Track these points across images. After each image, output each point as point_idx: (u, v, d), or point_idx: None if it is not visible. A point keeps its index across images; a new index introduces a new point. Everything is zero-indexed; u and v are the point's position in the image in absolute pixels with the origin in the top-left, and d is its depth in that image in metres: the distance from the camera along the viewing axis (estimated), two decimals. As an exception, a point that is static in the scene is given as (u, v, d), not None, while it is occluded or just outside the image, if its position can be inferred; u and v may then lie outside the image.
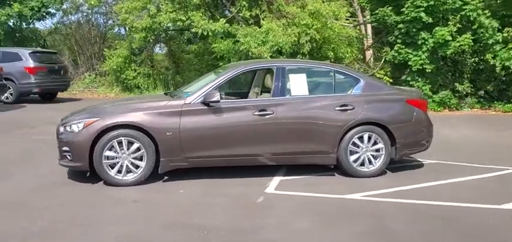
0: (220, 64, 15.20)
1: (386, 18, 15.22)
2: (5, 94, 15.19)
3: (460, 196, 5.64)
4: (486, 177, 6.64)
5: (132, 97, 6.68)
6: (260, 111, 6.22)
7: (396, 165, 7.06)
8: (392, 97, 6.75)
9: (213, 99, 6.07)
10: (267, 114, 6.22)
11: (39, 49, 17.07)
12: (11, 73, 15.09)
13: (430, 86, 15.28)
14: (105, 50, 19.18)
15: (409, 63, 15.04)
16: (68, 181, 6.20)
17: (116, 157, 5.94)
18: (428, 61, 14.87)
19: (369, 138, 6.49)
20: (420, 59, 14.88)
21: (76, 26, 22.76)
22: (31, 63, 15.43)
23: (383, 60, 16.51)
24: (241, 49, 14.19)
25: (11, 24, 19.24)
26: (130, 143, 5.95)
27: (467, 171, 6.92)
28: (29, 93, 15.64)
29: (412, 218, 4.96)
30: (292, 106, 6.37)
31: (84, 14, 23.62)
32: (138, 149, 5.97)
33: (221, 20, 14.75)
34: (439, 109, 15.04)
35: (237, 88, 8.73)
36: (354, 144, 6.45)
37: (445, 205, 5.35)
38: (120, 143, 5.92)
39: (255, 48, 13.79)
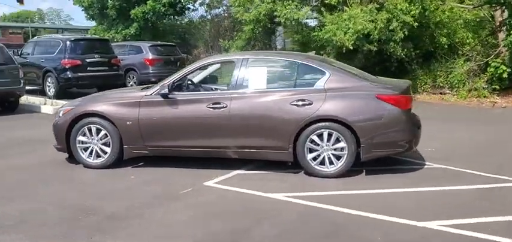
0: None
1: (500, -3, 13.21)
2: (130, 82, 17.44)
3: (386, 208, 4.95)
4: (460, 189, 5.65)
5: (115, 90, 7.34)
6: (214, 104, 6.29)
7: (389, 167, 6.47)
8: (358, 92, 6.12)
9: (163, 92, 6.37)
10: (221, 108, 6.26)
11: (159, 42, 19.06)
12: (133, 64, 17.32)
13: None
14: (220, 40, 20.39)
15: (528, 49, 12.86)
16: (61, 161, 7.06)
17: (88, 142, 6.65)
18: (554, 47, 12.52)
19: (330, 136, 6.05)
20: (542, 45, 12.61)
21: (217, 19, 24.55)
22: (150, 55, 17.41)
23: (501, 46, 14.35)
24: (325, 37, 13.84)
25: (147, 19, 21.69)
26: (99, 130, 6.61)
27: (454, 180, 5.97)
28: (149, 82, 17.60)
29: (295, 222, 4.66)
30: (246, 100, 6.29)
31: (224, 7, 25.42)
32: (106, 136, 6.59)
33: (305, 7, 14.56)
34: None
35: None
36: (313, 141, 6.08)
37: (353, 214, 4.80)
38: (90, 130, 6.62)
39: (338, 36, 13.33)
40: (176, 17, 23.32)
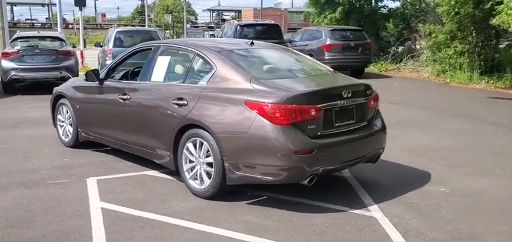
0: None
1: None
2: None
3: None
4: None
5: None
6: (123, 95, 5.76)
7: (314, 201, 4.79)
8: (230, 95, 4.59)
9: (96, 79, 6.19)
10: (126, 99, 5.71)
11: (343, 27, 17.77)
12: (312, 49, 16.85)
13: None
14: (420, 25, 17.56)
15: None
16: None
17: (63, 121, 7.06)
18: None
19: (201, 146, 4.80)
20: None
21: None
22: (327, 41, 16.65)
23: None
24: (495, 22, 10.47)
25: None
26: (68, 111, 6.91)
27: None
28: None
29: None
30: (143, 93, 5.55)
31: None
32: (69, 117, 6.87)
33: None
34: None
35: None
36: (189, 150, 4.95)
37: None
38: (62, 109, 7.00)
39: (502, 18, 9.95)
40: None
